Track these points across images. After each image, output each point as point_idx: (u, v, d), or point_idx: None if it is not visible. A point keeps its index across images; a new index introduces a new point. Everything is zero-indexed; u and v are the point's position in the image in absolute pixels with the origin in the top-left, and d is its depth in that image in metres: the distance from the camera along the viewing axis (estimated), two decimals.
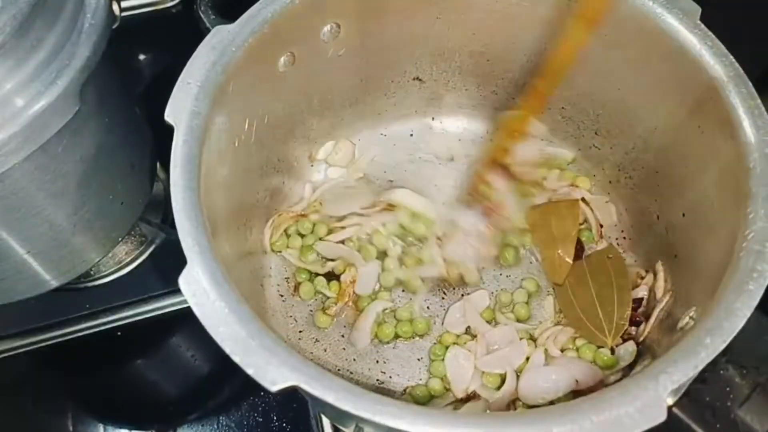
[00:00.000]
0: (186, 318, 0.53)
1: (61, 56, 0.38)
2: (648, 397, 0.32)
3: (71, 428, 0.54)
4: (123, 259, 0.61)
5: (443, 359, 0.49)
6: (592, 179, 0.57)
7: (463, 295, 0.53)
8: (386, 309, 0.52)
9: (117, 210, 0.49)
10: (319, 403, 0.33)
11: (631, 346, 0.47)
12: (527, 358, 0.49)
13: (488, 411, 0.48)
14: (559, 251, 0.53)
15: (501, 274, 0.54)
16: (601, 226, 0.55)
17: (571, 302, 0.51)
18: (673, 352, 0.34)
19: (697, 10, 0.44)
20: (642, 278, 0.51)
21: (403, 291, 0.53)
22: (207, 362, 0.57)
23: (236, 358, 0.32)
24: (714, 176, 0.43)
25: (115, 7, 0.43)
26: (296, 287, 0.53)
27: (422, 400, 0.48)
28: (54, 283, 0.49)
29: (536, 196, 0.56)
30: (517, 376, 0.48)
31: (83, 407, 0.55)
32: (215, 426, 0.54)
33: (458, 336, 0.51)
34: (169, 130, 0.39)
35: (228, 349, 0.32)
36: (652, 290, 0.49)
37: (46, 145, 0.38)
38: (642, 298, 0.49)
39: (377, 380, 0.50)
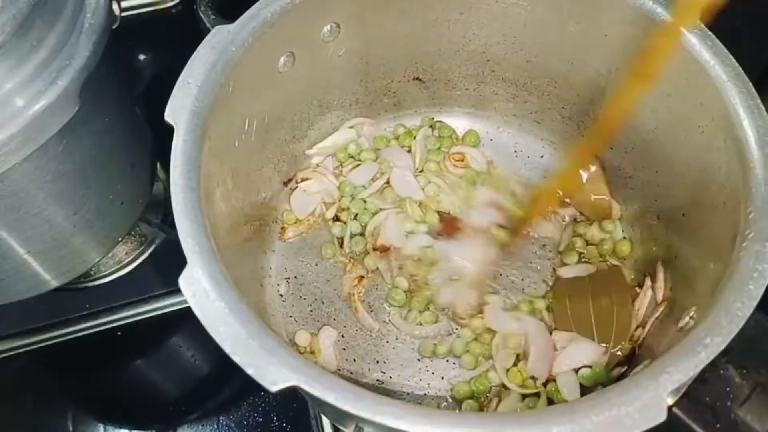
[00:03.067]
0: (186, 318, 0.54)
1: (61, 56, 0.38)
2: (648, 397, 0.32)
3: (71, 428, 0.54)
4: (123, 259, 0.61)
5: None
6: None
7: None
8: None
9: (117, 210, 0.49)
10: (319, 403, 0.33)
11: None
12: None
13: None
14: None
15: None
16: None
17: (568, 319, 0.50)
18: (673, 352, 0.34)
19: None
20: (640, 287, 0.51)
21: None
22: (207, 362, 0.57)
23: (236, 358, 0.32)
24: (714, 176, 0.43)
25: (115, 7, 0.43)
26: None
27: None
28: (54, 283, 0.49)
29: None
30: None
31: (83, 407, 0.55)
32: (215, 426, 0.54)
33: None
34: (169, 130, 0.39)
35: (228, 349, 0.32)
36: (653, 292, 0.50)
37: (46, 145, 0.38)
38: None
39: (377, 380, 0.50)
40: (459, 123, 0.60)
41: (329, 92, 0.54)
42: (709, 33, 0.43)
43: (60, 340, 0.57)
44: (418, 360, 0.50)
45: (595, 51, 0.50)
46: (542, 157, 0.59)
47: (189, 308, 0.34)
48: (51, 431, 0.54)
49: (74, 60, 0.38)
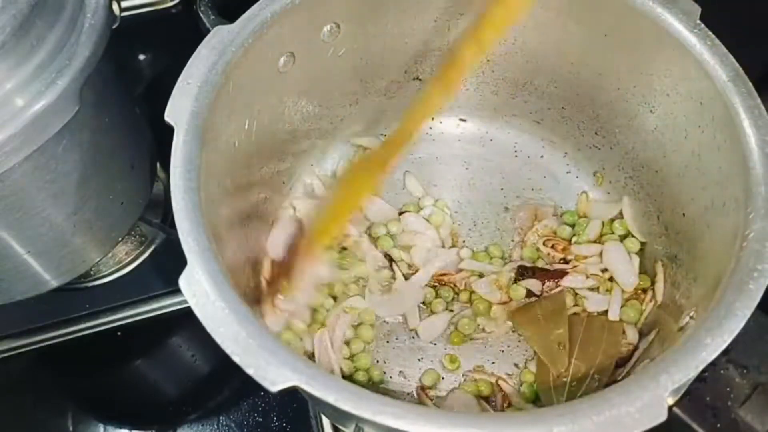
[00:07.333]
0: (186, 318, 0.54)
1: (61, 56, 0.38)
2: (648, 397, 0.32)
3: (71, 428, 0.54)
4: (123, 259, 0.61)
5: None
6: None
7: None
8: None
9: (117, 210, 0.49)
10: (319, 403, 0.33)
11: None
12: None
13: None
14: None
15: None
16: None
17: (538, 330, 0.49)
18: (673, 352, 0.34)
19: (697, 10, 0.44)
20: (644, 292, 0.50)
21: None
22: (207, 362, 0.57)
23: (236, 358, 0.32)
24: (714, 176, 0.43)
25: (115, 7, 0.43)
26: None
27: None
28: (54, 283, 0.49)
29: None
30: None
31: (83, 407, 0.55)
32: (215, 426, 0.54)
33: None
34: (169, 130, 0.39)
35: (228, 349, 0.32)
36: (653, 292, 0.50)
37: (46, 145, 0.38)
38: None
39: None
40: (459, 123, 0.60)
41: (329, 92, 0.54)
42: (709, 33, 0.43)
43: (60, 340, 0.57)
44: (419, 360, 0.50)
45: (595, 51, 0.50)
46: (542, 157, 0.59)
47: (189, 308, 0.33)
48: (51, 431, 0.54)
49: (74, 60, 0.38)
